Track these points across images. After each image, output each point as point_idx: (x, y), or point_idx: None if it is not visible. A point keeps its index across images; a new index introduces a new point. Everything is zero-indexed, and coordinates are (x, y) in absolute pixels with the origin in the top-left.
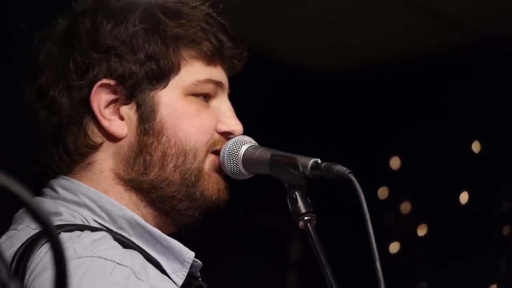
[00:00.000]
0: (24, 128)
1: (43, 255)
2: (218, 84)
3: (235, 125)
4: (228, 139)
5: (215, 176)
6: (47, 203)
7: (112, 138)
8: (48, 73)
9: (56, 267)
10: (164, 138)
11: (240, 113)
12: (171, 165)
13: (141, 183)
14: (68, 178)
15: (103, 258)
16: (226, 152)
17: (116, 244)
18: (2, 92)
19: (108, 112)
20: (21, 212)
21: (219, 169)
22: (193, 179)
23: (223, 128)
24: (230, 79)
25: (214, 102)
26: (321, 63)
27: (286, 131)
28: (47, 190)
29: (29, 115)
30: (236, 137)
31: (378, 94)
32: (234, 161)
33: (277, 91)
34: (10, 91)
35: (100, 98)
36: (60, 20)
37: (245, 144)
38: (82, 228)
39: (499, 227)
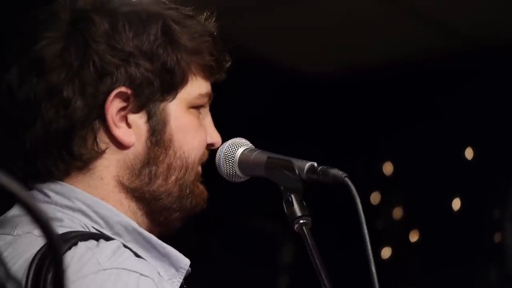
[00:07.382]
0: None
1: (67, 264)
2: (211, 97)
3: (218, 137)
4: (208, 150)
5: (201, 187)
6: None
7: (119, 145)
8: (61, 72)
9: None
10: (171, 151)
11: (233, 116)
12: (173, 177)
13: (144, 192)
14: (60, 182)
15: (127, 269)
16: (222, 155)
17: (130, 253)
18: None
19: (117, 119)
20: (11, 215)
21: (201, 179)
22: (187, 191)
23: (208, 140)
24: (222, 83)
25: (201, 114)
26: (314, 66)
27: (279, 135)
28: (36, 193)
29: (27, 113)
30: (232, 140)
31: (371, 99)
32: (230, 163)
33: (270, 95)
34: None
35: (114, 106)
36: (56, 12)
37: (241, 146)
38: (96, 236)
39: (491, 234)
